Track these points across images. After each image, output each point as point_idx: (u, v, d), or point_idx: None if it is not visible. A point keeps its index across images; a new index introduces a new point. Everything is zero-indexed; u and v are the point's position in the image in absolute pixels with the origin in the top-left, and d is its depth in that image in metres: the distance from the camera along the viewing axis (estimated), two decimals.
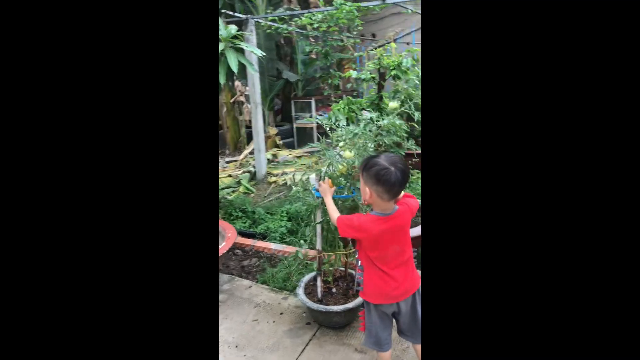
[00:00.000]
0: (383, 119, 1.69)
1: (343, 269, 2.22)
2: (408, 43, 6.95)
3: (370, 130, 1.69)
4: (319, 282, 2.00)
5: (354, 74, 2.54)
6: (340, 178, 1.79)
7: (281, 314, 2.21)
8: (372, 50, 5.54)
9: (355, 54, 4.61)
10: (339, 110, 2.57)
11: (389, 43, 5.93)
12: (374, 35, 7.80)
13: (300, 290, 2.08)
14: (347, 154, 1.69)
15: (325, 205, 1.75)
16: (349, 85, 3.99)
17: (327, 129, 1.81)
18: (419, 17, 6.47)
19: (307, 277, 2.21)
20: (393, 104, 1.90)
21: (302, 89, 6.93)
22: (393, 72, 2.39)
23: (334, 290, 2.12)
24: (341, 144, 1.73)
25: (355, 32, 4.26)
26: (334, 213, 1.62)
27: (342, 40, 4.07)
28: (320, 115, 6.60)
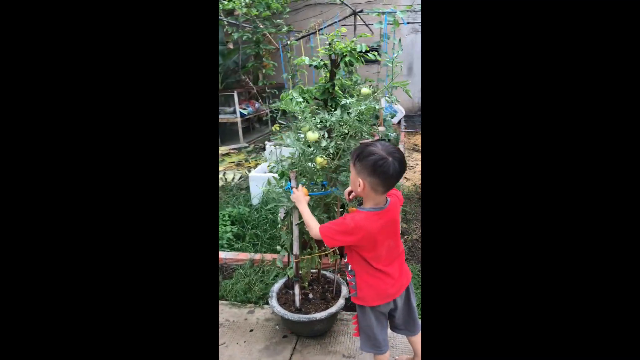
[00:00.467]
0: (360, 105, 1.56)
1: (315, 271, 2.05)
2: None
3: (348, 118, 1.54)
4: (297, 290, 1.80)
5: (306, 60, 2.34)
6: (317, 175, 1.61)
7: (251, 331, 1.95)
8: (296, 40, 5.38)
9: (292, 41, 4.39)
10: (291, 99, 2.36)
11: (313, 33, 5.83)
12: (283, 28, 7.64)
13: (273, 302, 1.85)
14: (311, 135, 1.51)
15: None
16: (285, 76, 3.78)
17: (297, 115, 1.61)
18: (340, 8, 6.51)
19: (277, 286, 1.98)
20: (365, 90, 1.78)
21: (221, 81, 6.44)
22: (347, 59, 2.26)
23: (310, 295, 1.94)
24: (303, 124, 1.55)
25: (281, 21, 4.05)
26: (313, 223, 1.42)
27: (275, 27, 3.83)
28: (244, 109, 6.23)
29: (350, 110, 1.58)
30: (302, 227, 1.70)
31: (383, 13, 5.23)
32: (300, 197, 1.49)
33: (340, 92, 2.52)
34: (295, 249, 1.72)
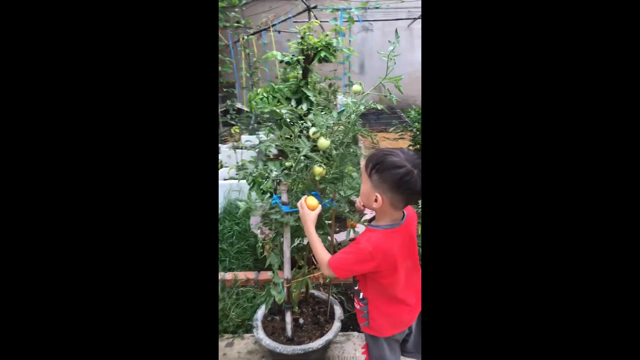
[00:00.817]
0: (363, 105, 1.37)
1: (303, 290, 1.83)
2: (279, 32, 6.68)
3: (348, 118, 1.35)
4: (288, 318, 1.57)
5: (278, 55, 2.10)
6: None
7: None
8: (251, 35, 5.05)
9: (249, 36, 4.05)
10: (261, 99, 2.11)
11: (267, 29, 5.53)
12: (238, 22, 7.26)
13: (260, 333, 1.61)
14: (323, 142, 1.29)
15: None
16: (243, 74, 3.48)
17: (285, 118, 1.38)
18: (293, 3, 6.26)
19: (260, 313, 1.73)
20: (357, 87, 1.60)
21: None
22: (323, 54, 2.06)
23: (301, 320, 1.71)
24: (313, 129, 1.32)
25: (237, 14, 3.74)
26: (323, 253, 1.19)
27: (227, 21, 3.51)
28: None
29: (346, 112, 1.39)
30: (294, 248, 1.47)
31: (338, 9, 5.10)
32: (306, 217, 1.23)
33: (312, 90, 2.32)
34: (287, 273, 1.49)
